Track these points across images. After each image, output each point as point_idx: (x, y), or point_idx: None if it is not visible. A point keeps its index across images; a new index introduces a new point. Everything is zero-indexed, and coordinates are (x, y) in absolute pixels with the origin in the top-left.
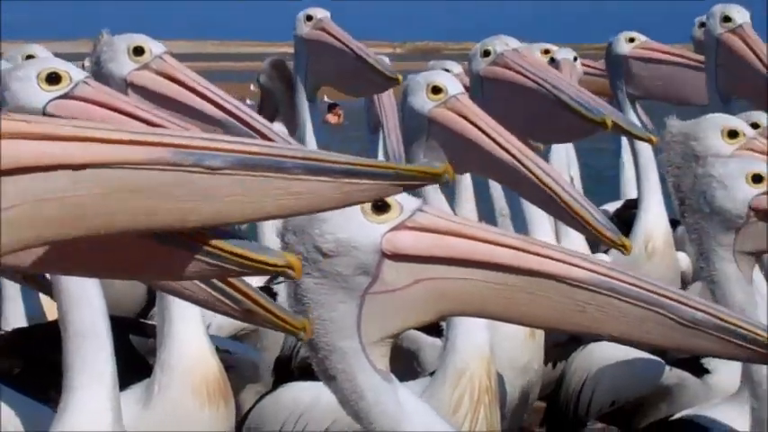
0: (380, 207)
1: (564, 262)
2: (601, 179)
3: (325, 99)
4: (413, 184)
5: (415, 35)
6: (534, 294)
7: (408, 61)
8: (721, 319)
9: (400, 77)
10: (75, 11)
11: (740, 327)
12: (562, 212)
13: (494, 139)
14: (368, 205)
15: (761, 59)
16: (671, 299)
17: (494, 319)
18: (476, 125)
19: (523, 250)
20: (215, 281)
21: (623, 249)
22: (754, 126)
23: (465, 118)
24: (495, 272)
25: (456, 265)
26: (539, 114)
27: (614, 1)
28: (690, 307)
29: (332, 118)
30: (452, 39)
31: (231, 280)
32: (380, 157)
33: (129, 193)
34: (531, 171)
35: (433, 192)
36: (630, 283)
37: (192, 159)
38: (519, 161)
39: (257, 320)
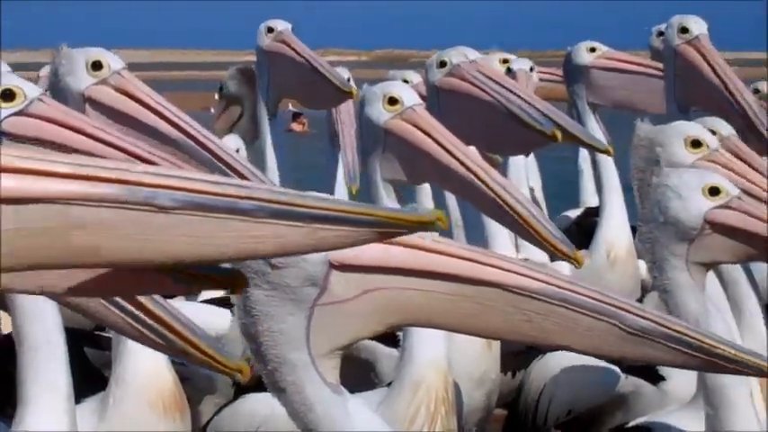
0: None
1: (510, 271)
2: (564, 186)
3: (290, 108)
4: (397, 232)
5: (384, 41)
6: (481, 304)
7: (374, 69)
8: (668, 328)
9: (354, 90)
10: (30, 19)
11: (688, 335)
12: (516, 225)
13: (449, 151)
14: None
15: (715, 71)
16: (617, 307)
17: (443, 329)
18: (431, 137)
19: (470, 259)
20: (151, 323)
21: (575, 263)
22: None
23: (421, 129)
24: (441, 281)
25: (403, 275)
26: (493, 126)
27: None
28: (636, 315)
29: (296, 126)
30: (423, 46)
31: (168, 320)
32: (340, 170)
33: (76, 230)
34: (485, 183)
35: (388, 200)
36: (576, 292)
37: (141, 197)
38: (473, 173)
39: (191, 360)
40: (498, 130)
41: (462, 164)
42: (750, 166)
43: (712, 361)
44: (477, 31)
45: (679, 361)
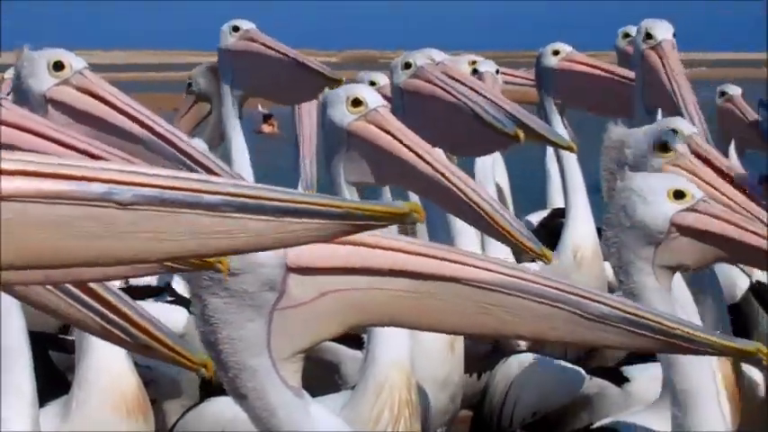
0: None
1: (465, 264)
2: (531, 186)
3: (260, 109)
4: (369, 224)
5: (353, 42)
6: (440, 300)
7: (344, 69)
8: (628, 312)
9: (343, 78)
10: (30, 19)
11: (646, 318)
12: (483, 222)
13: (414, 152)
14: None
15: (669, 78)
16: (576, 295)
17: (404, 327)
18: (395, 138)
19: (424, 255)
20: (115, 318)
21: (544, 259)
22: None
23: (385, 131)
24: (399, 279)
25: (360, 275)
26: (457, 128)
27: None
28: (596, 301)
29: (266, 128)
30: (392, 46)
31: (132, 315)
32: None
33: (35, 228)
34: (450, 182)
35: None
36: (534, 282)
37: (98, 193)
38: (439, 172)
39: (155, 356)
40: (462, 131)
41: (427, 163)
42: (712, 165)
43: (672, 342)
44: (448, 31)
45: (642, 345)
